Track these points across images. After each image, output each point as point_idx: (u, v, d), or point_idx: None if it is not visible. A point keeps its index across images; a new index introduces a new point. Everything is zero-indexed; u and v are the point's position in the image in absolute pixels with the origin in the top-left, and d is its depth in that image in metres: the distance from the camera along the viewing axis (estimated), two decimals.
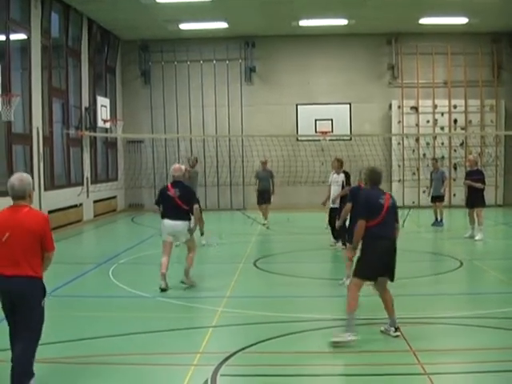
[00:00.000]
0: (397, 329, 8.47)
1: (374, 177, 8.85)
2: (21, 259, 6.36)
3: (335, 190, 15.54)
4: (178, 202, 11.60)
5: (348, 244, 11.19)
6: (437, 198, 20.55)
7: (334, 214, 14.85)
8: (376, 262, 8.38)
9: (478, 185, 17.58)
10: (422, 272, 13.66)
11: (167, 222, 11.65)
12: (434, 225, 20.47)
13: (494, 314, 9.52)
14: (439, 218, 20.46)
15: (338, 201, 15.13)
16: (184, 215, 11.68)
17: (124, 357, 7.83)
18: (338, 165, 15.81)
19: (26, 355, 6.37)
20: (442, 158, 26.83)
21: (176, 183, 11.86)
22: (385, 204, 8.49)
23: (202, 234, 17.03)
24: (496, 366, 7.25)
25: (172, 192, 11.69)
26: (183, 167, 12.57)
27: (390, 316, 8.55)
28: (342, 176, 15.65)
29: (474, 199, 17.65)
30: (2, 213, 6.60)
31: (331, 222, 15.20)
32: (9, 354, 6.44)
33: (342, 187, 15.36)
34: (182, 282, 11.76)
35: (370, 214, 8.48)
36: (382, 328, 8.58)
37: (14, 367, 6.31)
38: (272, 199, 21.24)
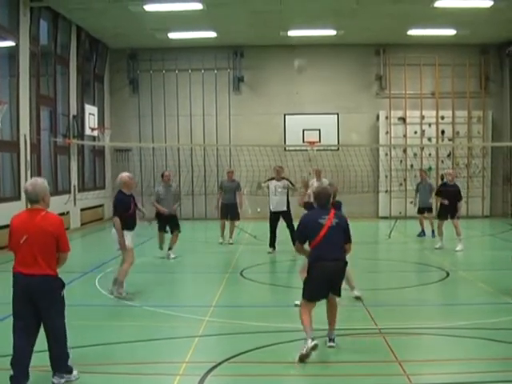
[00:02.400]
0: (331, 340, 8.44)
1: (319, 197, 8.64)
2: (38, 259, 6.88)
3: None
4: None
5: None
6: (425, 210, 20.63)
7: None
8: (316, 285, 8.25)
9: (459, 205, 17.93)
10: (409, 282, 13.70)
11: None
12: (419, 235, 20.53)
13: (480, 324, 9.53)
14: (430, 230, 20.44)
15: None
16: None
17: (110, 366, 7.79)
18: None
19: (60, 340, 7.08)
20: (430, 168, 26.91)
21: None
22: (326, 223, 8.26)
23: (169, 248, 16.76)
24: (482, 376, 7.26)
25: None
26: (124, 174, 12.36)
27: (329, 325, 8.51)
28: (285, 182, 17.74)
29: (450, 211, 17.78)
30: (20, 216, 7.15)
31: None
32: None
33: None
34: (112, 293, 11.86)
35: (305, 236, 8.43)
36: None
37: (51, 353, 7.08)
38: (240, 214, 20.01)
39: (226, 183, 19.99)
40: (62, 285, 7.16)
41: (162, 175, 17.70)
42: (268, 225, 17.78)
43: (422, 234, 20.67)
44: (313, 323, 8.12)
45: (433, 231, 20.38)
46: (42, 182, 7.14)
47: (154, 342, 8.88)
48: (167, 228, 16.77)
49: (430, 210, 20.74)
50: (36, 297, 6.89)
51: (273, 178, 17.95)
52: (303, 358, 7.83)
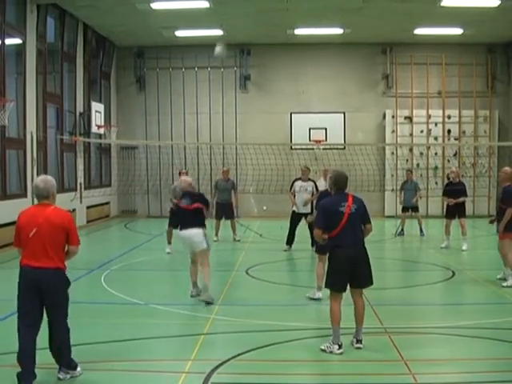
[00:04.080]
0: (359, 341, 8.35)
1: (338, 181, 8.56)
2: (48, 251, 7.01)
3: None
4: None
5: (318, 255, 11.38)
6: (411, 209, 20.85)
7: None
8: (338, 272, 8.27)
9: (462, 199, 17.76)
10: (415, 281, 13.71)
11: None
12: (399, 234, 20.79)
13: (486, 324, 9.53)
14: (419, 228, 20.67)
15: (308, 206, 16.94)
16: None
17: (115, 363, 7.80)
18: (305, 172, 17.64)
19: (63, 331, 7.18)
20: (436, 168, 26.92)
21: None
22: (345, 211, 8.24)
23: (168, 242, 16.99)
24: (487, 376, 7.26)
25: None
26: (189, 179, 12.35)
27: (356, 325, 8.44)
28: (311, 184, 17.43)
29: (457, 210, 17.74)
30: (29, 210, 7.33)
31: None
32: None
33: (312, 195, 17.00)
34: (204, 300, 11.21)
35: (326, 224, 8.37)
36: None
37: (54, 345, 7.20)
38: (236, 213, 20.29)
39: (221, 182, 19.87)
40: (69, 281, 7.26)
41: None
42: (288, 223, 17.59)
43: (402, 232, 20.89)
44: (309, 322, 8.11)
45: (421, 230, 20.64)
46: (51, 179, 7.36)
47: (159, 340, 8.90)
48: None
49: (415, 208, 20.92)
50: (43, 288, 6.98)
51: (299, 179, 17.70)
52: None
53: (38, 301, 7.05)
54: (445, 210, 18.77)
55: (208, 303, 10.90)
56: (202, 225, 11.41)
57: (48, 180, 7.31)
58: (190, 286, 11.63)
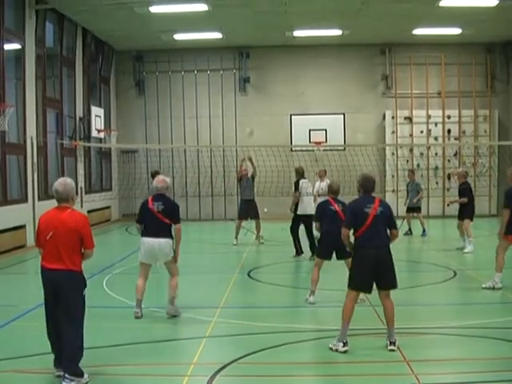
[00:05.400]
0: (392, 343, 8.31)
1: (365, 184, 8.79)
2: (62, 255, 7.11)
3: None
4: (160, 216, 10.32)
5: (316, 258, 11.49)
6: (412, 209, 20.93)
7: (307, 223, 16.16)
8: (361, 272, 8.35)
9: (461, 200, 17.70)
10: (416, 282, 13.70)
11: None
12: (406, 234, 20.64)
13: (488, 324, 9.51)
14: (421, 229, 20.68)
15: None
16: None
17: (117, 367, 7.79)
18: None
19: (71, 340, 7.10)
20: (436, 168, 26.93)
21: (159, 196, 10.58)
22: (371, 213, 8.37)
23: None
24: (490, 376, 7.25)
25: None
26: (168, 179, 10.99)
27: (388, 327, 8.48)
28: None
29: (461, 212, 17.69)
30: (48, 213, 7.40)
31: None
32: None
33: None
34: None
35: (353, 224, 8.52)
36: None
37: (62, 352, 7.11)
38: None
39: (244, 179, 19.80)
40: (84, 283, 7.35)
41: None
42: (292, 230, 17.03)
43: (409, 232, 20.92)
44: (311, 324, 8.09)
45: (423, 230, 20.63)
46: (70, 182, 7.50)
47: (161, 344, 8.89)
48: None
49: (418, 209, 21.00)
50: (57, 289, 7.10)
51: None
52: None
53: (55, 301, 7.18)
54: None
55: (175, 316, 10.32)
56: (171, 235, 10.32)
57: (67, 183, 7.43)
58: (134, 306, 10.47)
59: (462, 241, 17.72)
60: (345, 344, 8.19)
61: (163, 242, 10.21)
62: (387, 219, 8.53)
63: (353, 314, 8.38)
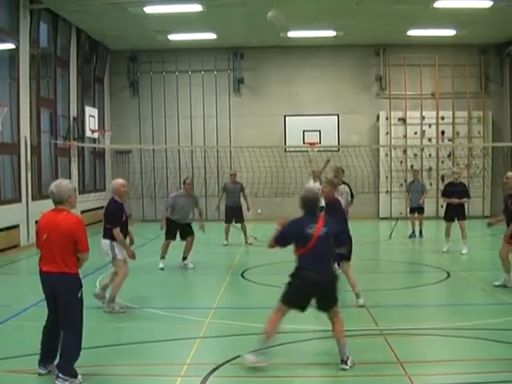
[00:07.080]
0: (343, 361, 7.67)
1: (305, 204, 7.96)
2: (56, 257, 7.13)
3: None
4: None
5: None
6: (417, 210, 20.49)
7: None
8: (298, 294, 7.80)
9: (464, 200, 17.61)
10: (410, 283, 13.71)
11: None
12: (410, 237, 20.53)
13: (481, 325, 9.54)
14: (419, 230, 20.50)
15: None
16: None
17: (111, 368, 7.80)
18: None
19: (68, 342, 7.14)
20: (430, 169, 26.98)
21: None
22: (314, 233, 7.68)
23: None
24: (483, 377, 7.25)
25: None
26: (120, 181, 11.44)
27: (338, 344, 7.82)
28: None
29: (457, 212, 17.45)
30: (46, 215, 7.40)
31: None
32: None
33: None
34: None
35: (286, 243, 7.93)
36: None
37: (54, 342, 7.27)
38: (245, 217, 19.87)
39: (229, 185, 19.80)
40: (80, 285, 7.34)
41: (184, 182, 16.09)
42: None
43: (413, 235, 20.61)
44: (304, 324, 8.06)
45: (420, 231, 20.47)
46: (66, 184, 7.45)
47: (155, 344, 8.88)
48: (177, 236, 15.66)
49: (421, 210, 20.55)
50: (55, 293, 7.17)
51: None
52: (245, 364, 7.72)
53: (55, 302, 7.25)
54: (443, 211, 18.37)
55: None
56: (110, 236, 11.00)
57: (61, 185, 7.38)
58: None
59: (447, 242, 17.53)
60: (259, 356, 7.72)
61: (102, 243, 11.15)
62: (333, 237, 7.87)
63: (278, 328, 7.99)
